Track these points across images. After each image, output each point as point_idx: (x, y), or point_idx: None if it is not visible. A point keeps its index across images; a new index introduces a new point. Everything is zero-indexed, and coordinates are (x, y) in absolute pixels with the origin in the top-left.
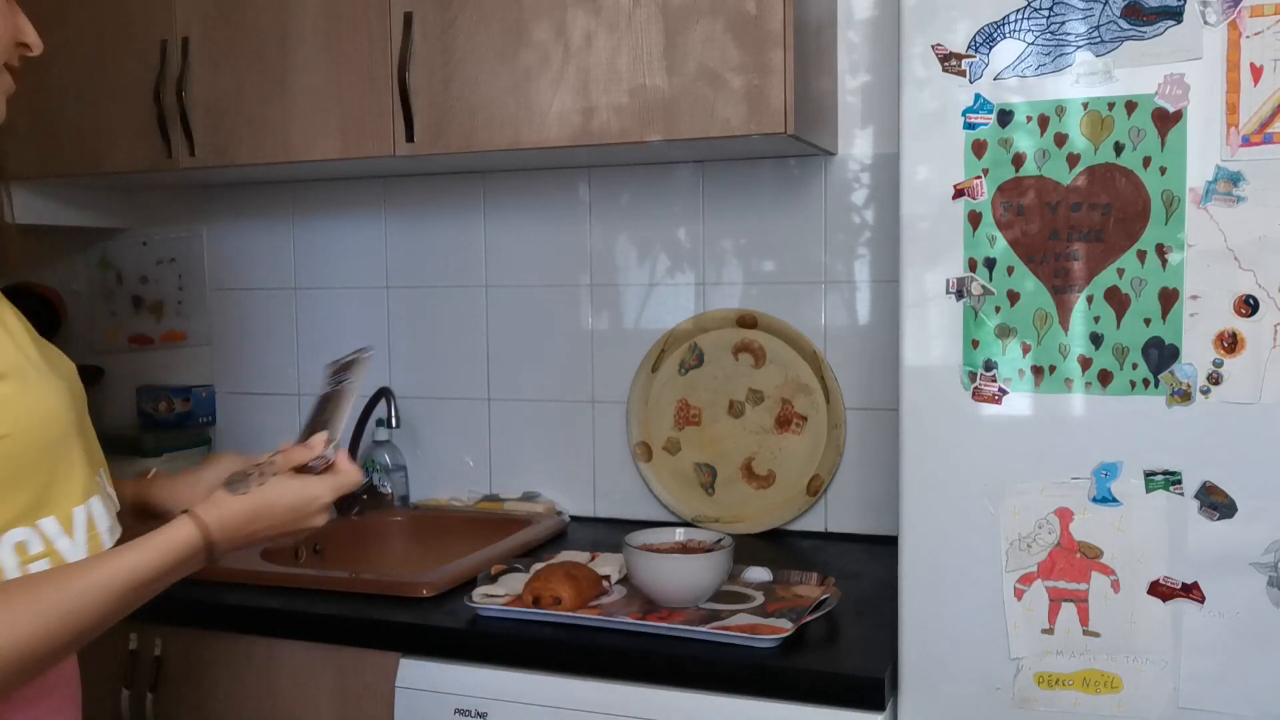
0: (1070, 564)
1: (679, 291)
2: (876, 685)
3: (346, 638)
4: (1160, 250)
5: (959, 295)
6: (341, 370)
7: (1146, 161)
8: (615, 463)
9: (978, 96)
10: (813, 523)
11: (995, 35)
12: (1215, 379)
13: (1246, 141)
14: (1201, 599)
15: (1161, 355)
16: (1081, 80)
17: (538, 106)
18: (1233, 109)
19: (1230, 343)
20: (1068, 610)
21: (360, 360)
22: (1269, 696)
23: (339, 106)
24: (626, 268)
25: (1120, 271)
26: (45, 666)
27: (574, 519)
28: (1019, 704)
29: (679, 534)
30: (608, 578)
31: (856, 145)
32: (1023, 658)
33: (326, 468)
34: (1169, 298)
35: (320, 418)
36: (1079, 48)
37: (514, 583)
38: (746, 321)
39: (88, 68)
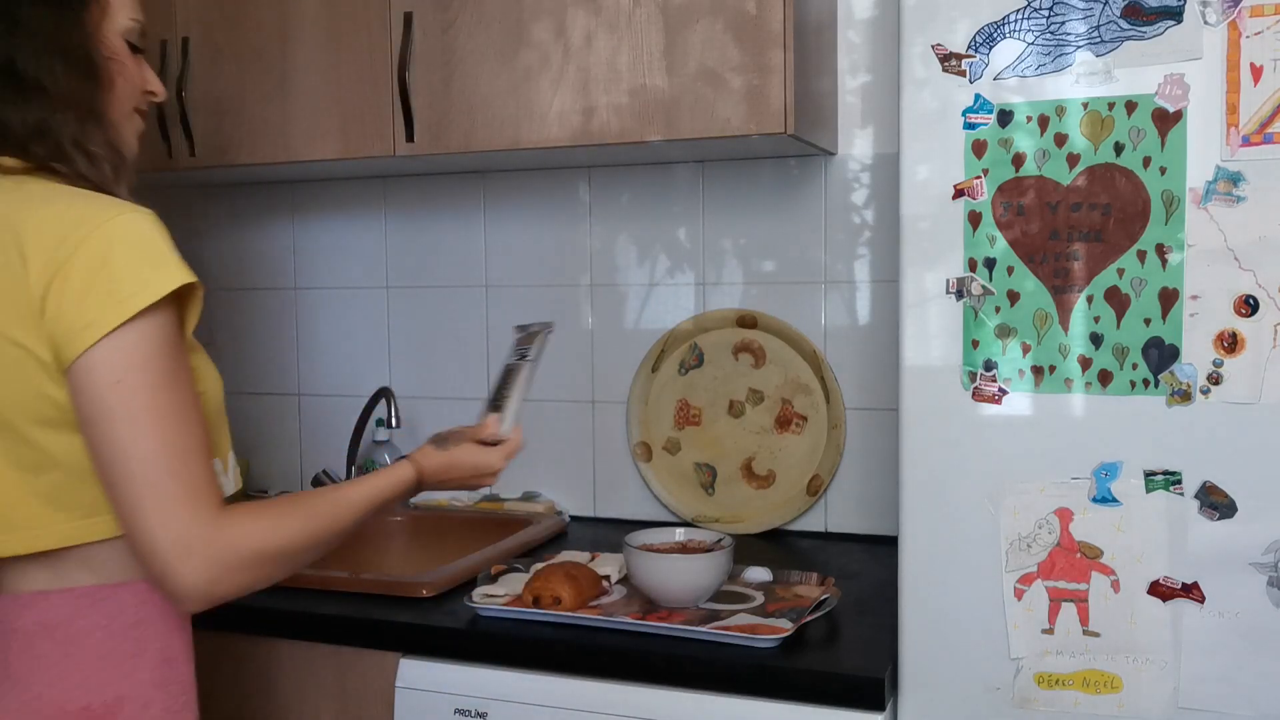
0: (1070, 564)
1: (679, 291)
2: (876, 685)
3: (346, 638)
4: (1160, 250)
5: (959, 295)
6: (525, 341)
7: (1146, 161)
8: (615, 463)
9: (978, 96)
10: (813, 523)
11: (995, 35)
12: (1215, 379)
13: (1246, 141)
14: (1201, 599)
15: (1161, 355)
16: (1081, 80)
17: (538, 106)
18: (1233, 109)
19: (1230, 343)
20: (1068, 610)
21: (541, 334)
22: (1269, 696)
23: (339, 106)
24: (626, 268)
25: (1120, 271)
26: (308, 561)
27: (574, 519)
28: (1019, 704)
29: (679, 534)
30: (608, 578)
31: (856, 145)
32: (1023, 658)
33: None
34: (1169, 298)
35: (502, 391)
36: (1079, 48)
37: (514, 583)
38: (746, 321)
39: None
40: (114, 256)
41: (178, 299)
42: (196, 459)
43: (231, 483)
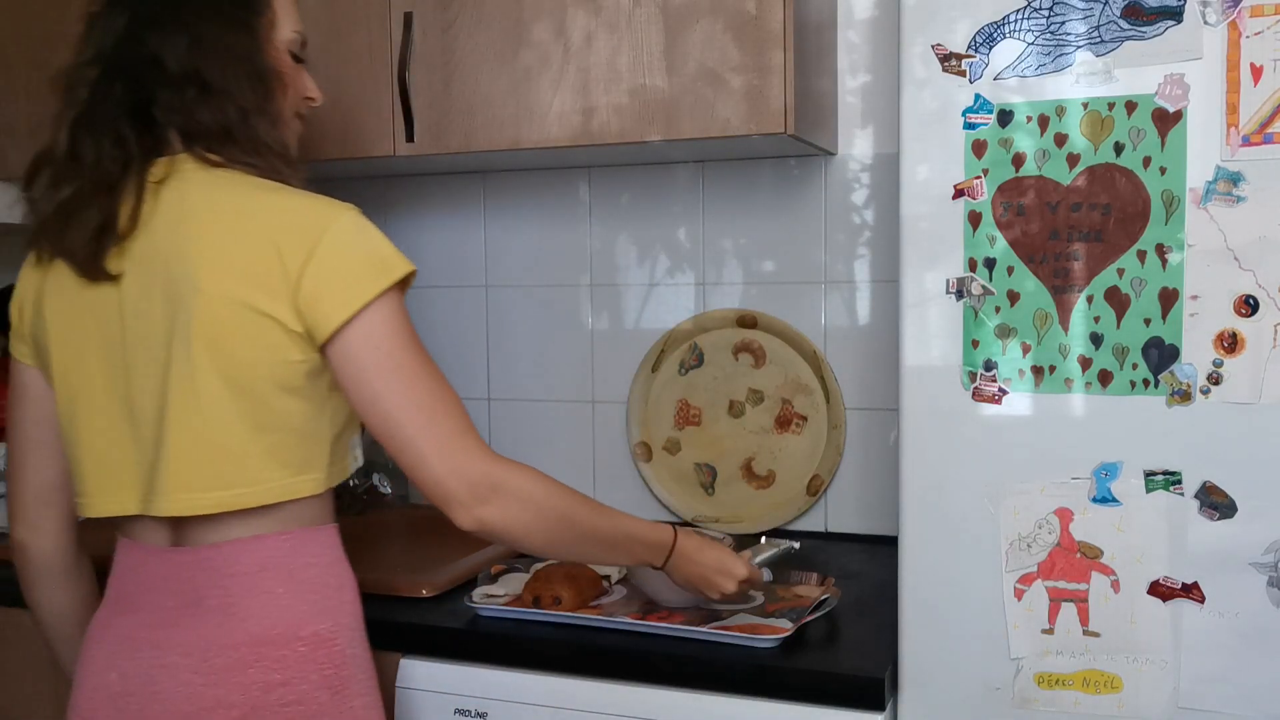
0: (1070, 564)
1: (679, 291)
2: (876, 685)
3: None
4: (1160, 250)
5: (959, 295)
6: (782, 556)
7: (1146, 161)
8: (615, 463)
9: (978, 96)
10: (813, 523)
11: (995, 35)
12: (1215, 379)
13: (1246, 141)
14: (1201, 599)
15: (1161, 355)
16: (1081, 80)
17: (538, 106)
18: (1233, 109)
19: (1230, 343)
20: (1068, 610)
21: (785, 549)
22: (1269, 696)
23: (339, 106)
24: (626, 268)
25: (1120, 271)
26: (560, 540)
27: None
28: (1019, 704)
29: None
30: (608, 578)
31: (856, 145)
32: (1023, 658)
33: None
34: (1169, 298)
35: (763, 552)
36: (1079, 48)
37: (514, 583)
38: (746, 321)
39: None
40: (356, 245)
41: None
42: (456, 407)
43: (361, 456)
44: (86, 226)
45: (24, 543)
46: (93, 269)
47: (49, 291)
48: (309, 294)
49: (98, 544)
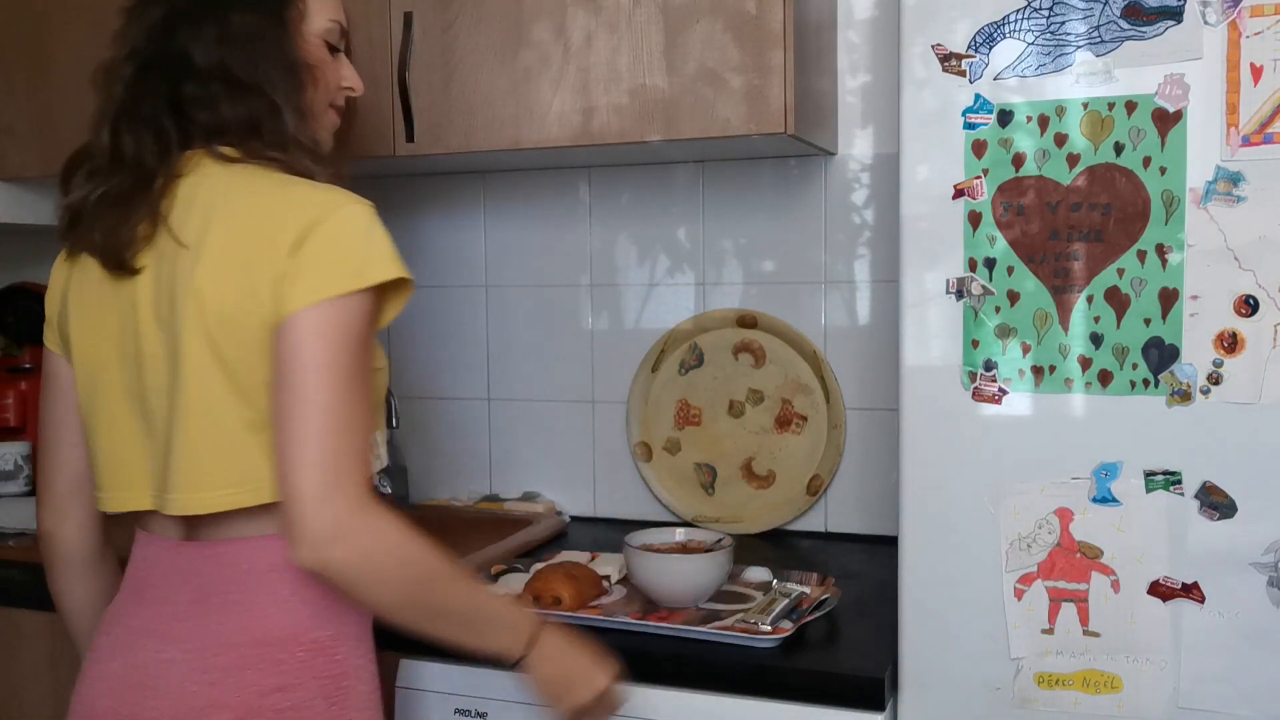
0: (1070, 564)
1: (679, 291)
2: (876, 685)
3: None
4: (1160, 250)
5: (959, 295)
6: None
7: (1146, 161)
8: (615, 463)
9: (978, 96)
10: (813, 523)
11: (995, 35)
12: (1215, 379)
13: (1246, 141)
14: (1201, 599)
15: (1161, 355)
16: (1081, 80)
17: (538, 106)
18: (1233, 109)
19: (1230, 343)
20: (1068, 610)
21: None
22: (1269, 696)
23: None
24: (626, 268)
25: (1120, 271)
26: (400, 602)
27: (574, 519)
28: (1019, 704)
29: (679, 534)
30: (608, 578)
31: (856, 145)
32: (1023, 658)
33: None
34: (1169, 298)
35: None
36: (1079, 48)
37: (514, 583)
38: (746, 321)
39: (88, 67)
40: (348, 238)
41: (377, 291)
42: (364, 431)
43: (385, 456)
44: (121, 221)
45: (50, 532)
46: (119, 264)
47: (74, 286)
48: (289, 275)
49: (121, 539)
